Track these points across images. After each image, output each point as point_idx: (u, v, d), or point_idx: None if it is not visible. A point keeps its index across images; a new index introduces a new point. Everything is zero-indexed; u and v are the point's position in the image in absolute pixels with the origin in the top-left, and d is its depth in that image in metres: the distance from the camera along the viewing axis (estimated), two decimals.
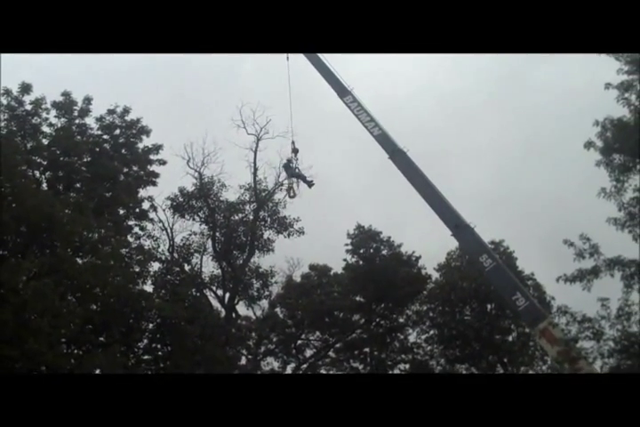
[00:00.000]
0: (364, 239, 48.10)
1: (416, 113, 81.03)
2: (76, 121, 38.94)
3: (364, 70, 38.78)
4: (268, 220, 45.08)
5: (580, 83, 71.05)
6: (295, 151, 42.54)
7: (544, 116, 77.78)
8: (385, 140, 38.08)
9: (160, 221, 43.69)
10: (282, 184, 45.26)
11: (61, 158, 37.46)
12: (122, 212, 39.63)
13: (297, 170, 42.53)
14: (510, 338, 45.30)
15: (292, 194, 42.62)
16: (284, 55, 39.88)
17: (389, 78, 78.50)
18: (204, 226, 44.77)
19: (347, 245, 48.17)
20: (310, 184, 42.09)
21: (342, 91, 39.98)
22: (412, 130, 38.64)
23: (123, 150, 39.96)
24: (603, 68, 23.96)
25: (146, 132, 40.29)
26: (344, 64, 39.54)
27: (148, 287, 36.69)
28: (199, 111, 76.51)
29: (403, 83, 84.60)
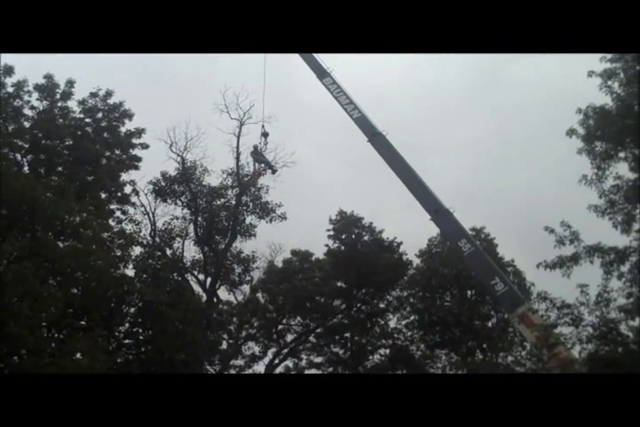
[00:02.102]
0: (345, 225, 48.17)
1: (394, 106, 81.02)
2: (58, 104, 38.78)
3: (341, 60, 38.92)
4: (251, 205, 44.94)
5: (558, 75, 71.80)
6: (265, 135, 42.85)
7: (522, 109, 78.41)
8: (364, 123, 38.13)
9: (142, 205, 43.52)
10: (264, 170, 45.27)
11: (43, 141, 37.36)
12: (104, 196, 39.64)
13: (263, 156, 42.96)
14: (490, 324, 45.60)
15: (252, 181, 42.95)
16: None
17: (366, 70, 78.23)
18: (186, 211, 44.64)
19: (328, 230, 48.29)
20: (274, 171, 42.61)
21: (321, 72, 39.95)
22: (389, 122, 39.07)
23: (105, 134, 39.88)
24: (580, 61, 24.14)
25: (128, 115, 40.23)
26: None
27: (130, 271, 36.65)
28: (182, 95, 76.31)
29: (380, 75, 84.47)
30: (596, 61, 23.19)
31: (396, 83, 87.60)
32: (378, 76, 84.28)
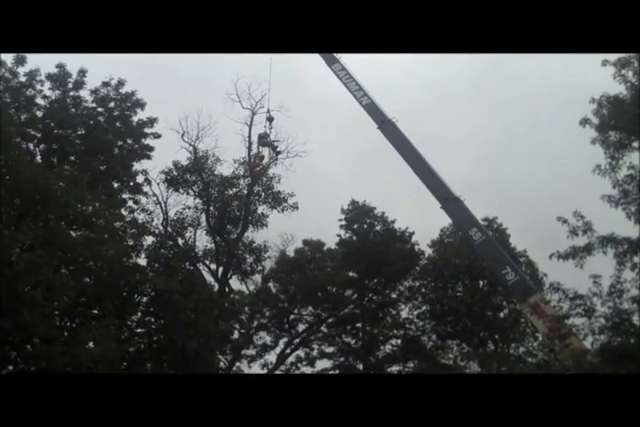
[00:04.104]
0: (357, 215, 48.25)
1: (399, 99, 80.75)
2: (71, 93, 38.75)
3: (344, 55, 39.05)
4: (262, 194, 45.02)
5: (564, 67, 71.85)
6: (270, 120, 43.01)
7: (533, 100, 78.34)
8: (374, 110, 38.02)
9: (154, 194, 43.59)
10: (276, 159, 45.36)
11: (56, 131, 37.37)
12: (116, 185, 39.63)
13: (268, 138, 43.21)
14: (502, 315, 45.53)
15: (256, 163, 43.28)
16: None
17: (370, 63, 77.88)
18: (198, 200, 44.73)
19: (340, 220, 48.36)
20: (278, 153, 42.93)
21: (330, 58, 39.77)
22: (397, 115, 39.01)
23: (117, 123, 39.82)
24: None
25: (140, 105, 40.14)
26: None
27: (142, 261, 36.76)
28: (194, 85, 76.27)
29: (384, 69, 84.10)
30: (599, 56, 23.15)
31: (401, 76, 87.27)
32: (382, 70, 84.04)
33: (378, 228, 48.09)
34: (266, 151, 45.04)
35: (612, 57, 23.08)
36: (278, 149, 44.56)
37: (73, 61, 39.22)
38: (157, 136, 40.90)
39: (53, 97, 38.32)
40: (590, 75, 23.46)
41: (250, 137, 45.71)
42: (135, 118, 40.25)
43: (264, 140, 44.13)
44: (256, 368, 46.35)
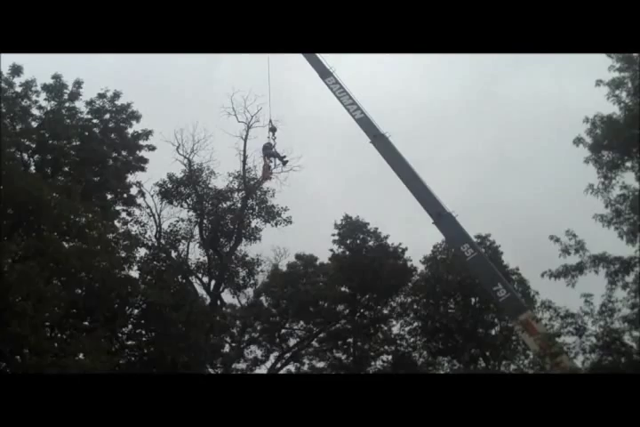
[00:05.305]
0: (350, 230, 48.17)
1: (390, 120, 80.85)
2: (66, 104, 38.81)
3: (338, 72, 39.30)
4: (256, 208, 44.97)
5: (556, 88, 72.50)
6: (273, 130, 43.14)
7: (526, 121, 78.74)
8: (367, 124, 38.00)
9: (148, 206, 43.57)
10: (272, 172, 45.37)
11: (50, 142, 37.38)
12: (110, 197, 39.68)
13: (273, 149, 43.28)
14: (493, 332, 45.51)
15: (267, 174, 43.29)
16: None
17: (361, 85, 77.92)
18: (191, 213, 44.67)
19: (334, 235, 48.29)
20: (285, 162, 42.98)
21: (324, 72, 39.77)
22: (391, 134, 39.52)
23: (112, 135, 39.92)
24: (573, 76, 24.33)
25: (136, 117, 40.23)
26: None
27: (134, 273, 36.58)
28: (190, 98, 76.37)
29: (375, 91, 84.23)
30: (590, 75, 23.37)
31: (394, 97, 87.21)
32: (375, 90, 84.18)
33: (371, 243, 48.03)
34: (271, 160, 45.08)
35: (606, 77, 23.26)
36: (285, 160, 44.58)
37: (69, 72, 39.37)
38: (152, 148, 41.00)
39: (49, 108, 38.37)
40: (584, 95, 23.55)
41: (245, 151, 45.73)
42: (130, 130, 40.39)
43: (269, 150, 44.16)
44: None
